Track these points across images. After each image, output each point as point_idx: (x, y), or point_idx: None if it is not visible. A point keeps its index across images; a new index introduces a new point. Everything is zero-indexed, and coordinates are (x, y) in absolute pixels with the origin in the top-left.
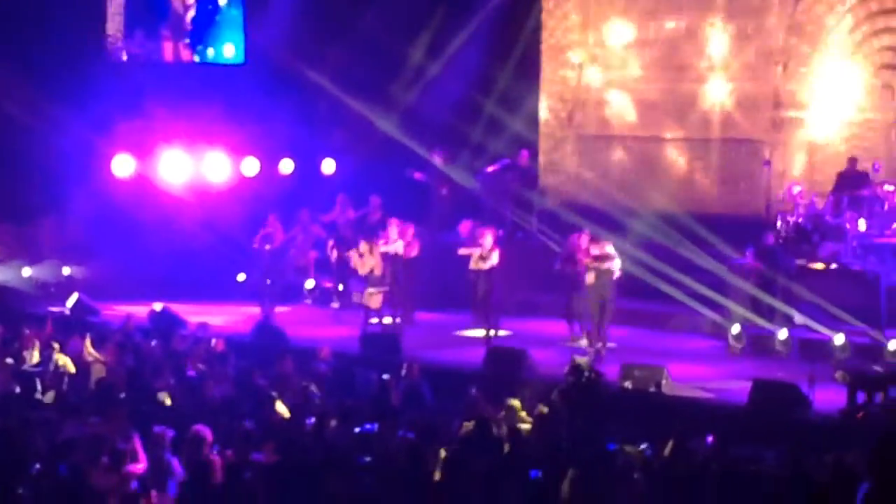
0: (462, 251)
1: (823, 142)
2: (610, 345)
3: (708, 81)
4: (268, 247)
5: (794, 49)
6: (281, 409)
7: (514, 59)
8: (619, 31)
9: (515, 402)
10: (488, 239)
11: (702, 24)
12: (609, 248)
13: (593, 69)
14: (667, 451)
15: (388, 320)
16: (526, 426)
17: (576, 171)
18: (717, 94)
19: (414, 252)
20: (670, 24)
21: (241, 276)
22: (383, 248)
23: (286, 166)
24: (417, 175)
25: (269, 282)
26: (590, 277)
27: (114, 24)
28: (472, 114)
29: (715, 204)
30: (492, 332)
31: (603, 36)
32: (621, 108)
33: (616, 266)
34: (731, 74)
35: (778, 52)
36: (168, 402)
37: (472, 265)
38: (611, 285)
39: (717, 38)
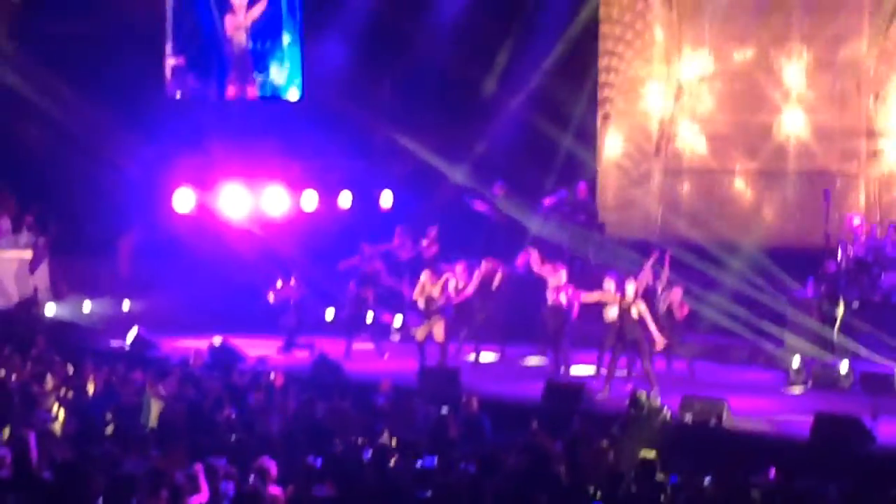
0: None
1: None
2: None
3: (783, 112)
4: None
5: (884, 77)
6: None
7: (576, 90)
8: (694, 63)
9: (652, 455)
10: (563, 274)
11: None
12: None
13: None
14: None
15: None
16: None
17: (647, 204)
18: (792, 125)
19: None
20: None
21: (331, 313)
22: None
23: (345, 199)
24: (478, 205)
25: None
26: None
27: (170, 63)
28: (533, 146)
29: (780, 236)
30: (562, 369)
31: (677, 68)
32: (692, 141)
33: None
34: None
35: (867, 80)
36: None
37: (551, 300)
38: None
39: (794, 67)
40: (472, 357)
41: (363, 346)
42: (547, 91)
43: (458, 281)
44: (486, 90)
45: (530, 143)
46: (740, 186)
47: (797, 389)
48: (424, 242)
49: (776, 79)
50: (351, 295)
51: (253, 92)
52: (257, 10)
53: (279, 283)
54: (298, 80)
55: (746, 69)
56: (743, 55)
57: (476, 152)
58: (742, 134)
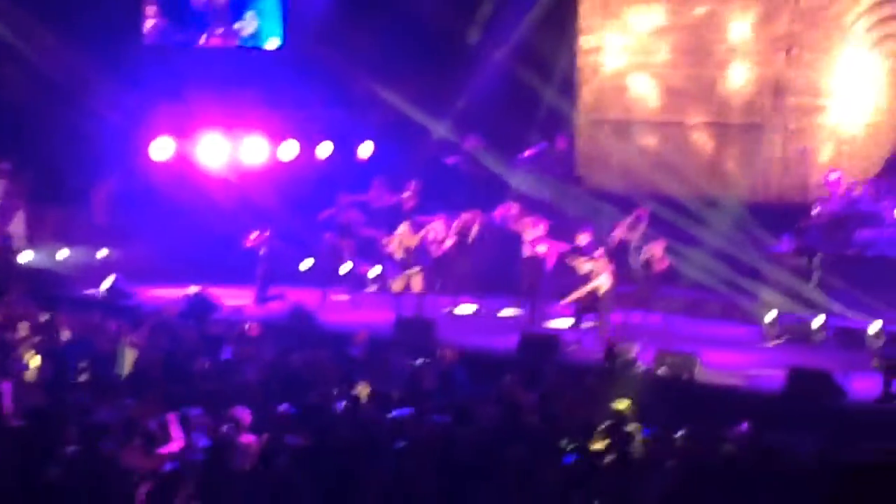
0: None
1: (847, 130)
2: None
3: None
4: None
5: (800, 35)
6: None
7: (559, 42)
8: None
9: (624, 405)
10: (542, 228)
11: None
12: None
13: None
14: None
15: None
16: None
17: (605, 156)
18: (736, 79)
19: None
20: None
21: (307, 263)
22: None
23: (324, 150)
24: (450, 160)
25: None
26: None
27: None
28: (513, 98)
29: (756, 191)
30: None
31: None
32: (644, 93)
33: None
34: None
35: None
36: None
37: (527, 252)
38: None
39: (738, 23)
40: (448, 309)
41: (339, 296)
42: (530, 42)
43: (437, 233)
44: (470, 39)
45: (512, 94)
46: (701, 140)
47: (771, 343)
48: (405, 195)
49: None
50: (327, 245)
51: (232, 41)
52: None
53: (253, 234)
54: (279, 30)
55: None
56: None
57: (457, 104)
58: (695, 87)
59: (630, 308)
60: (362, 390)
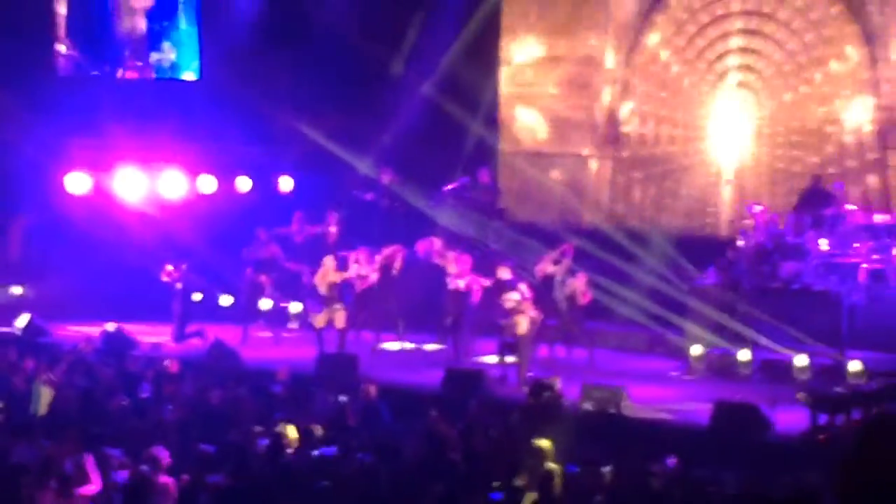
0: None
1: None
2: None
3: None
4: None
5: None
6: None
7: (483, 72)
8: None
9: (544, 444)
10: (466, 262)
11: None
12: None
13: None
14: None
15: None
16: (557, 478)
17: (525, 189)
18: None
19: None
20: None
21: (227, 299)
22: (359, 272)
23: (243, 183)
24: (368, 195)
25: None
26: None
27: (62, 41)
28: (437, 130)
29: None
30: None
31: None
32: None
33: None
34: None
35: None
36: None
37: (451, 286)
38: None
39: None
40: (375, 345)
41: (261, 332)
42: (454, 73)
43: (360, 267)
44: (393, 70)
45: (437, 126)
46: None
47: (697, 374)
48: (327, 227)
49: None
50: (247, 281)
51: (147, 73)
52: None
53: (169, 268)
54: (196, 62)
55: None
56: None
57: (380, 137)
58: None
59: (555, 342)
60: (289, 431)
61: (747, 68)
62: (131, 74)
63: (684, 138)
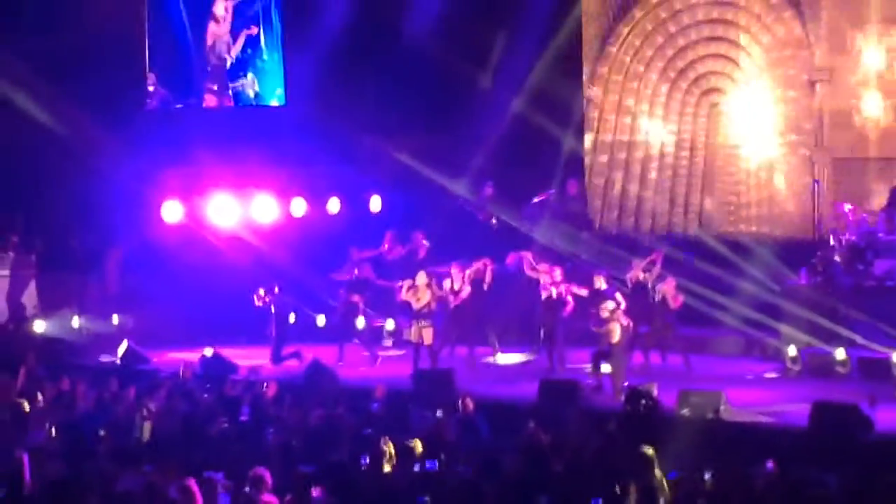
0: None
1: None
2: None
3: None
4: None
5: None
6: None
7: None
8: None
9: (650, 451)
10: (557, 273)
11: None
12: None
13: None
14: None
15: None
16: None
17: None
18: None
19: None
20: None
21: (322, 319)
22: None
23: (333, 205)
24: (478, 213)
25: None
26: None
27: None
28: (523, 143)
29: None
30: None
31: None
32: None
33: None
34: None
35: None
36: None
37: (544, 297)
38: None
39: None
40: (467, 358)
41: (356, 351)
42: (540, 87)
43: (453, 282)
44: (482, 85)
45: (523, 139)
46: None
47: (794, 375)
48: (423, 245)
49: None
50: (342, 300)
51: (230, 101)
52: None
53: (261, 292)
54: (279, 89)
55: None
56: None
57: (468, 152)
58: None
59: (649, 349)
60: (387, 447)
61: None
62: (210, 100)
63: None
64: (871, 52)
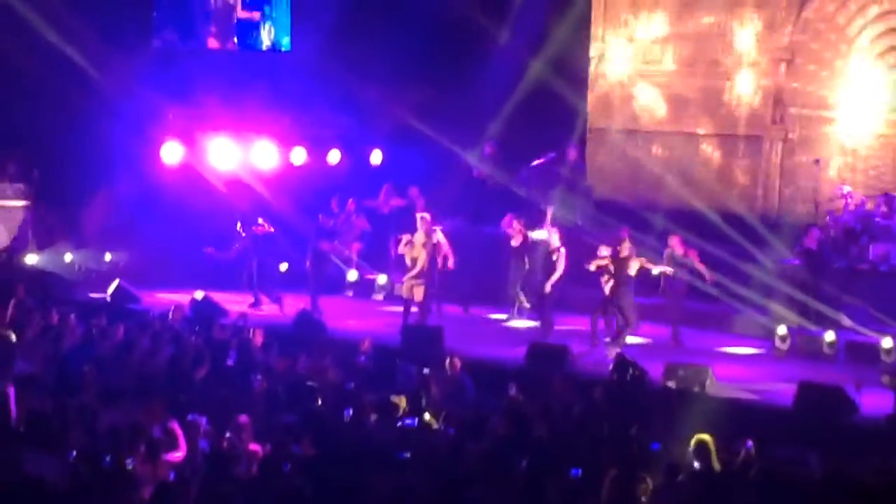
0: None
1: (854, 143)
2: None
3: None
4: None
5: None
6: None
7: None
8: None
9: (706, 439)
10: (555, 237)
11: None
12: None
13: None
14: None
15: None
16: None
17: (613, 167)
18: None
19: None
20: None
21: (284, 266)
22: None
23: (334, 156)
24: (474, 170)
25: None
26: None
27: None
28: (524, 106)
29: (759, 203)
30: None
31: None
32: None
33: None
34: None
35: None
36: None
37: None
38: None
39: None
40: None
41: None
42: (548, 47)
43: (445, 241)
44: (499, 41)
45: (531, 102)
46: (707, 150)
47: (782, 355)
48: (412, 200)
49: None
50: (333, 251)
51: (233, 46)
52: None
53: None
54: (287, 36)
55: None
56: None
57: (475, 110)
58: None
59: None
60: (400, 402)
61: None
62: (213, 45)
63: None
64: None
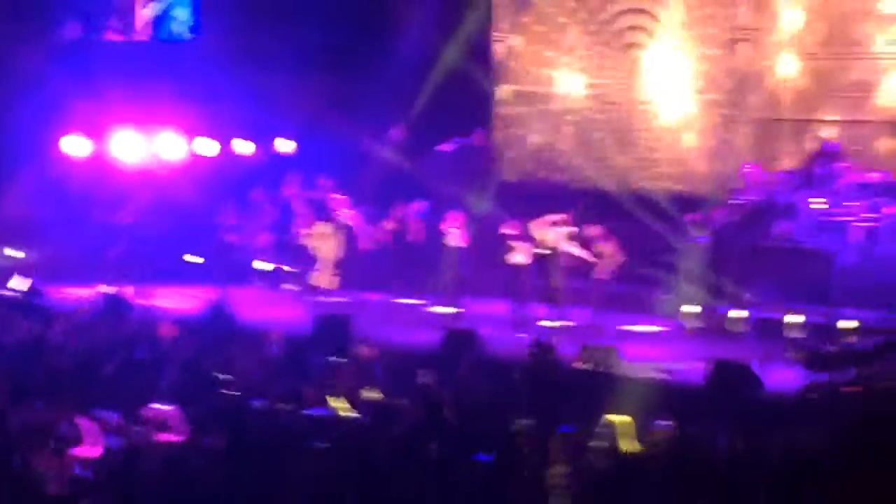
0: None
1: None
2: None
3: None
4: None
5: None
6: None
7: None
8: None
9: (620, 419)
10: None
11: None
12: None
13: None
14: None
15: None
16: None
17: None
18: None
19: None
20: None
21: (190, 258)
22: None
23: (240, 146)
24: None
25: None
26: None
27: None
28: (435, 87)
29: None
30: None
31: None
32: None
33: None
34: None
35: None
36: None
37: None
38: None
39: None
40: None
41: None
42: (454, 27)
43: (356, 229)
44: (401, 24)
45: (439, 87)
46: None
47: (691, 333)
48: (322, 190)
49: None
50: (241, 242)
51: (136, 36)
52: None
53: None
54: (191, 24)
55: None
56: None
57: (379, 94)
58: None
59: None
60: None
61: None
62: (115, 37)
63: None
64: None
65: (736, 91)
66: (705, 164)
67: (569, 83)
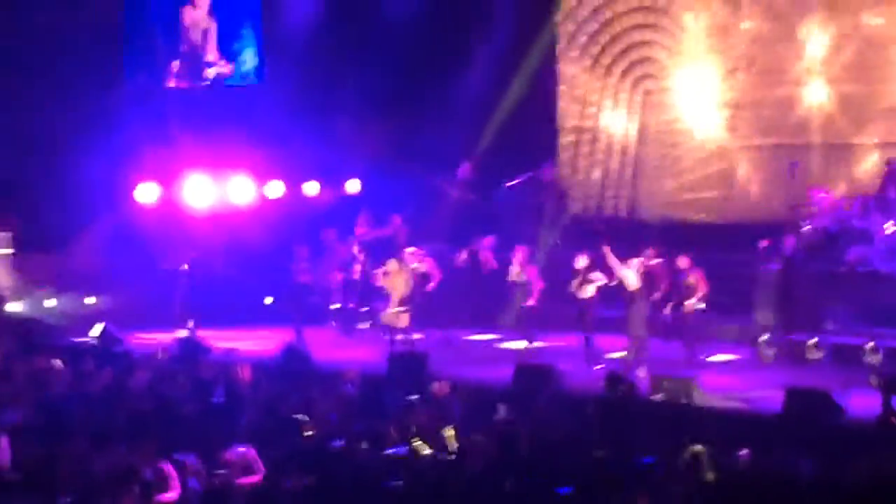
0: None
1: None
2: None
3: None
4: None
5: None
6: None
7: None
8: None
9: (700, 450)
10: (518, 256)
11: None
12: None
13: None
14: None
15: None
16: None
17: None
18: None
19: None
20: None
21: (269, 300)
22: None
23: (310, 188)
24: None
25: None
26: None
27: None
28: (501, 125)
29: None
30: (529, 344)
31: None
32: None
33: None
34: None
35: None
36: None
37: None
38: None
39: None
40: (445, 340)
41: (329, 333)
42: (510, 65)
43: (427, 267)
44: (463, 67)
45: (502, 124)
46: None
47: (767, 361)
48: (392, 228)
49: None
50: (315, 282)
51: (199, 84)
52: None
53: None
54: (254, 67)
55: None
56: None
57: (445, 133)
58: None
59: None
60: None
61: None
62: (183, 83)
63: None
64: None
65: (783, 117)
66: (770, 191)
67: (617, 119)
